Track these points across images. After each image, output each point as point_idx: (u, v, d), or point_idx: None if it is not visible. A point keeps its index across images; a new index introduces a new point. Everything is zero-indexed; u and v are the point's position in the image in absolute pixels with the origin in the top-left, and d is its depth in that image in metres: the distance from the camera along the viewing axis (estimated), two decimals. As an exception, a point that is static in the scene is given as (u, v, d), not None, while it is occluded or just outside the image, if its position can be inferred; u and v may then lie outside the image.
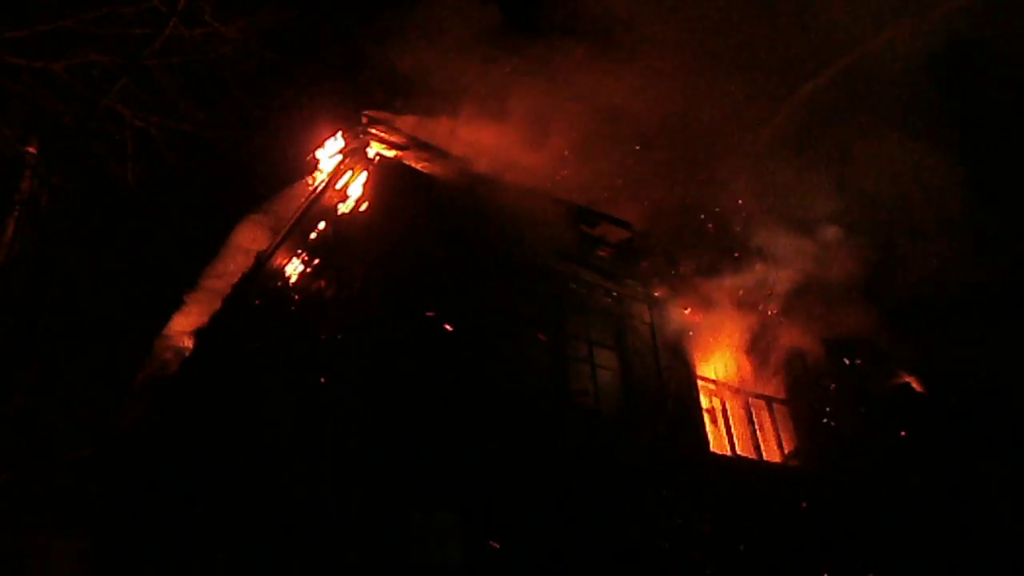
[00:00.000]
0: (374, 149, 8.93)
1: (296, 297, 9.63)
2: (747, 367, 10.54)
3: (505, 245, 8.55)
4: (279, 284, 10.05)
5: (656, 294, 9.88)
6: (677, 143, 11.10)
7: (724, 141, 11.38)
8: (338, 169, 9.36)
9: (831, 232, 10.60)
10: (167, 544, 10.53)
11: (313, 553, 7.46)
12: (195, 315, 11.46)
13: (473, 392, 7.74)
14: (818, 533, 9.20)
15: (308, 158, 9.96)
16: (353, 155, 9.19)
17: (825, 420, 10.50)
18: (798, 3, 11.71)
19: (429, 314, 7.75)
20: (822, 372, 10.84)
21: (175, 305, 11.40)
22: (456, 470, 7.26)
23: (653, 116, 11.05)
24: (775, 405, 10.56)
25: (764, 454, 10.09)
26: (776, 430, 10.42)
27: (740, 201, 10.63)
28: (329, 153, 9.69)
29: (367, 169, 8.98)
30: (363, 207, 8.80)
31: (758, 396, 10.45)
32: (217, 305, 11.21)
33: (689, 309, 9.96)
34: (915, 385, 11.55)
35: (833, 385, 10.82)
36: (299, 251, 9.90)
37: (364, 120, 9.13)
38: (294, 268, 9.92)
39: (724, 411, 10.07)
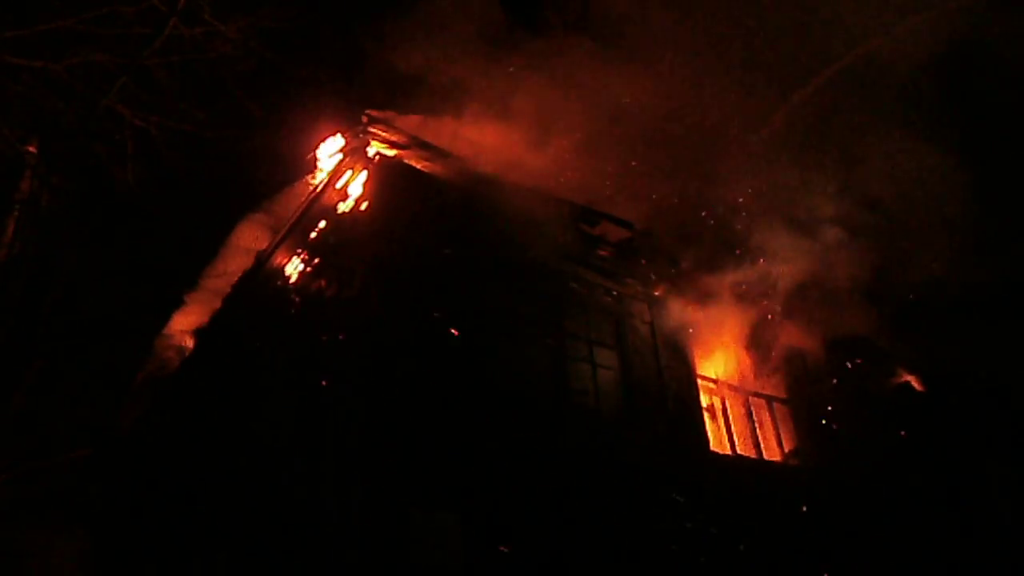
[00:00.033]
0: (374, 148, 8.93)
1: (296, 297, 9.63)
2: (747, 366, 10.54)
3: (505, 244, 8.55)
4: (279, 283, 10.05)
5: (656, 293, 9.88)
6: (678, 142, 11.10)
7: (725, 140, 11.39)
8: (338, 168, 9.36)
9: (832, 231, 10.60)
10: (167, 544, 10.53)
11: (313, 553, 7.46)
12: (195, 315, 11.46)
13: (473, 392, 7.74)
14: (818, 533, 9.20)
15: (308, 157, 9.96)
16: (353, 154, 9.19)
17: (825, 419, 10.50)
18: (800, 1, 11.71)
19: (435, 315, 7.75)
20: (822, 371, 10.84)
21: (175, 305, 11.40)
22: (456, 470, 7.26)
23: (654, 115, 11.05)
24: (775, 404, 10.56)
25: (764, 453, 10.10)
26: (776, 429, 10.42)
27: (741, 199, 10.63)
28: (329, 152, 9.69)
29: (367, 168, 8.98)
30: (363, 206, 8.81)
31: (758, 395, 10.45)
32: (217, 305, 11.22)
33: (689, 308, 9.95)
34: (915, 384, 11.55)
35: (833, 384, 10.82)
36: (299, 250, 9.90)
37: (364, 119, 9.13)
38: (294, 267, 9.92)
39: (724, 410, 10.07)
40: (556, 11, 12.02)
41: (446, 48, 10.82)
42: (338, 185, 9.28)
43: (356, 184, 9.04)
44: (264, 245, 10.66)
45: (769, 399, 10.52)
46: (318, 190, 9.57)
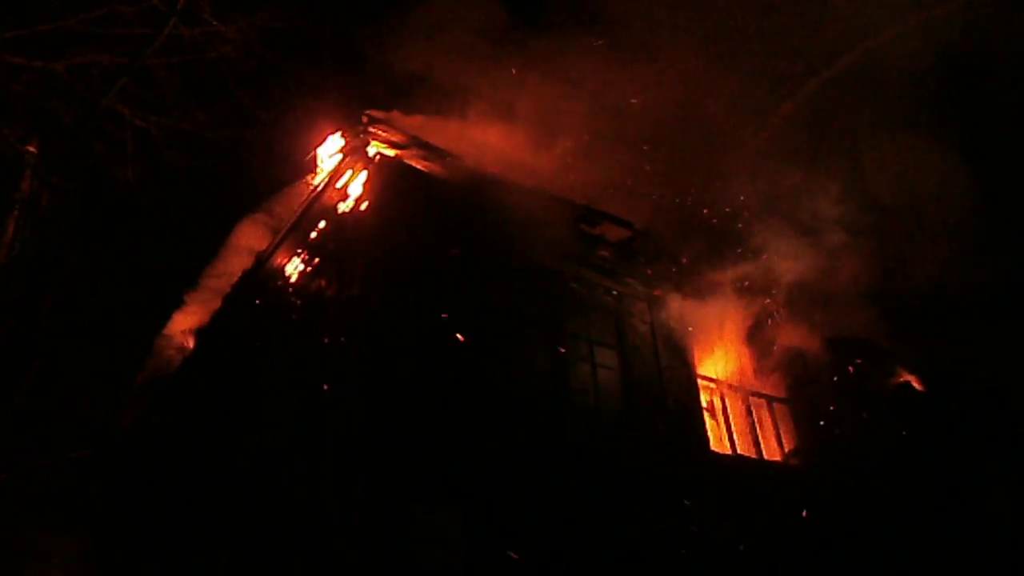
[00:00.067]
0: (374, 148, 8.93)
1: (296, 296, 9.62)
2: (748, 366, 10.54)
3: (505, 244, 8.55)
4: (279, 283, 10.04)
5: (656, 293, 9.88)
6: (678, 141, 11.10)
7: (725, 138, 11.38)
8: (338, 168, 9.35)
9: (832, 231, 10.60)
10: (167, 544, 10.52)
11: (313, 553, 7.46)
12: (195, 314, 11.46)
13: (473, 391, 7.74)
14: (818, 532, 9.19)
15: (308, 157, 9.96)
16: (353, 154, 9.18)
17: (825, 419, 10.49)
18: (801, 1, 11.71)
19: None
20: (823, 371, 10.84)
21: (175, 305, 11.40)
22: (457, 470, 7.26)
23: (655, 114, 11.05)
24: (775, 404, 10.56)
25: (764, 453, 10.09)
26: (776, 429, 10.42)
27: (742, 198, 10.63)
28: (329, 152, 9.69)
29: (367, 168, 8.97)
30: (363, 206, 8.80)
31: (758, 395, 10.45)
32: (217, 305, 11.21)
33: (690, 308, 9.95)
34: (915, 384, 11.54)
35: (834, 384, 10.81)
36: (299, 250, 9.89)
37: (364, 119, 9.13)
38: (294, 267, 9.92)
39: (724, 410, 10.07)
40: (558, 8, 12.01)
41: (446, 48, 10.82)
42: (338, 185, 9.27)
43: (356, 184, 9.03)
44: (264, 245, 10.65)
45: (769, 399, 10.52)
46: (318, 190, 9.56)
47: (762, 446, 10.12)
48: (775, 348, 10.53)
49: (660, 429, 9.00)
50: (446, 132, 10.11)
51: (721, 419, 9.97)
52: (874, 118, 11.99)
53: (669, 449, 8.90)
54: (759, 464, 9.88)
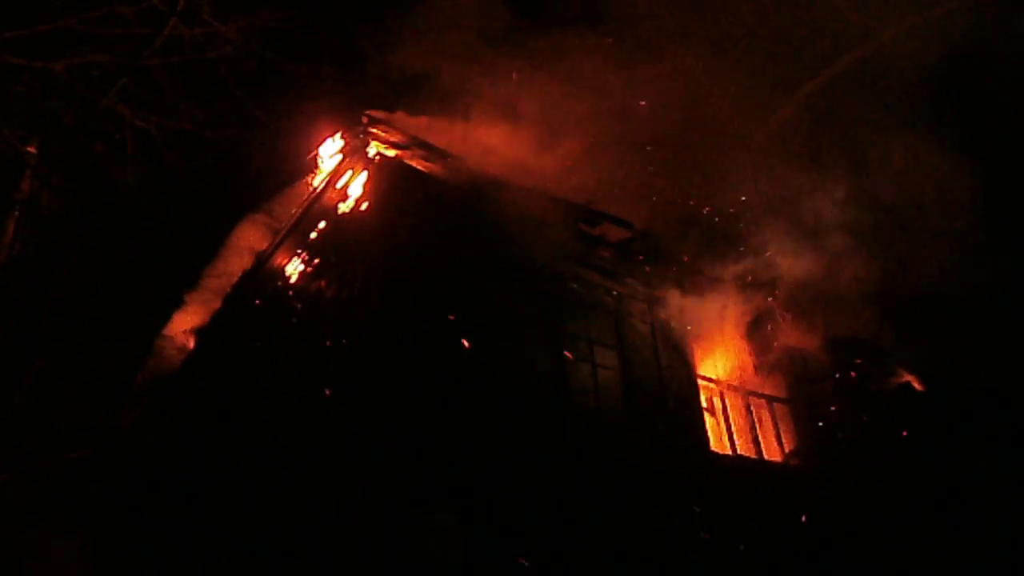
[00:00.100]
0: (374, 148, 8.93)
1: (296, 297, 9.62)
2: (748, 366, 10.54)
3: (505, 244, 8.55)
4: (279, 284, 10.04)
5: (657, 293, 9.88)
6: (679, 141, 11.11)
7: (725, 139, 11.38)
8: (338, 169, 9.36)
9: (833, 232, 10.60)
10: (167, 544, 10.53)
11: (313, 553, 7.46)
12: (196, 314, 11.46)
13: (473, 391, 7.74)
14: (818, 533, 9.19)
15: (308, 158, 9.97)
16: (353, 154, 9.19)
17: (825, 419, 10.49)
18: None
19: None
20: (823, 371, 10.84)
21: (175, 305, 11.39)
22: (456, 470, 7.26)
23: (656, 114, 11.05)
24: (776, 404, 10.56)
25: (765, 453, 10.10)
26: (777, 429, 10.42)
27: (744, 198, 10.63)
28: (329, 152, 9.69)
29: (367, 168, 8.97)
30: (363, 207, 8.80)
31: (759, 395, 10.45)
32: (217, 305, 11.22)
33: (690, 308, 9.95)
34: (916, 384, 11.54)
35: (834, 384, 10.81)
36: (299, 251, 9.89)
37: (364, 119, 9.13)
38: (294, 268, 9.92)
39: (725, 410, 10.07)
40: (559, 8, 12.01)
41: (446, 48, 10.83)
42: (338, 185, 9.28)
43: (356, 184, 9.04)
44: (264, 245, 10.66)
45: (769, 399, 10.53)
46: (318, 190, 9.57)
47: (762, 446, 10.12)
48: (775, 348, 10.54)
49: (660, 429, 9.00)
50: (446, 132, 10.11)
51: (721, 419, 9.98)
52: (875, 118, 11.99)
53: (669, 449, 8.90)
54: (759, 464, 9.88)
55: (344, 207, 9.09)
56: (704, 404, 9.87)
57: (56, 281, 11.43)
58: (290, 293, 9.73)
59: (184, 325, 11.53)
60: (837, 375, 10.91)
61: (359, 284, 8.24)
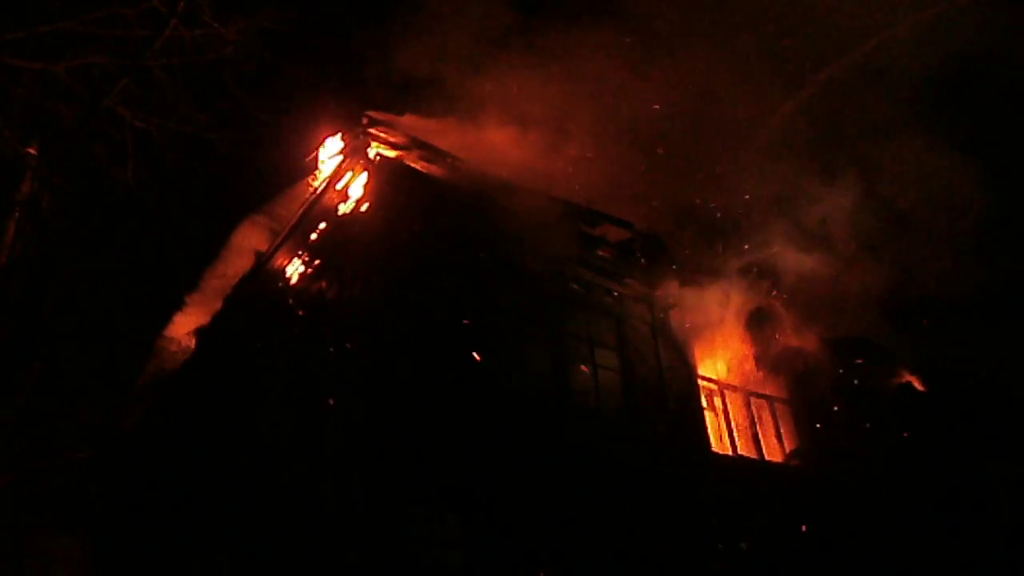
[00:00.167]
0: (374, 149, 8.94)
1: (297, 298, 9.63)
2: (749, 366, 10.54)
3: (505, 245, 8.56)
4: (280, 285, 10.05)
5: (657, 293, 9.88)
6: (680, 139, 11.10)
7: (725, 140, 11.38)
8: (339, 169, 9.36)
9: (835, 231, 10.60)
10: (168, 544, 10.53)
11: (313, 553, 7.46)
12: (196, 315, 11.47)
13: (474, 392, 7.74)
14: (819, 533, 9.19)
15: (309, 159, 9.97)
16: (354, 155, 9.20)
17: (826, 419, 10.49)
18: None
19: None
20: (824, 371, 10.84)
21: (175, 305, 11.41)
22: (457, 469, 7.27)
23: (658, 112, 11.05)
24: (776, 404, 10.57)
25: (765, 453, 10.10)
26: (777, 429, 10.42)
27: (747, 196, 10.62)
28: (330, 153, 9.70)
29: (368, 169, 8.98)
30: (364, 207, 8.81)
31: (760, 395, 10.46)
32: (218, 306, 11.23)
33: (690, 308, 9.95)
34: (916, 384, 11.54)
35: (835, 384, 10.81)
36: (300, 252, 9.90)
37: (365, 120, 9.14)
38: (295, 269, 9.93)
39: (725, 410, 10.07)
40: (559, 8, 12.00)
41: (446, 49, 10.83)
42: (339, 186, 9.29)
43: (356, 185, 9.05)
44: (264, 246, 10.66)
45: (770, 399, 10.53)
46: (319, 191, 9.58)
47: (763, 446, 10.12)
48: (776, 348, 10.53)
49: (661, 430, 9.01)
50: (447, 133, 10.11)
51: (722, 419, 9.98)
52: (877, 117, 11.98)
53: (669, 449, 8.91)
54: (760, 464, 9.89)
55: (344, 208, 9.10)
56: (705, 404, 9.87)
57: (56, 282, 11.43)
58: (291, 294, 9.74)
59: (185, 326, 11.55)
60: (838, 375, 10.92)
61: (359, 285, 8.25)
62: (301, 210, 9.91)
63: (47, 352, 11.27)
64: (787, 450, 10.32)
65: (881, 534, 9.61)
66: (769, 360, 10.54)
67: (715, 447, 9.56)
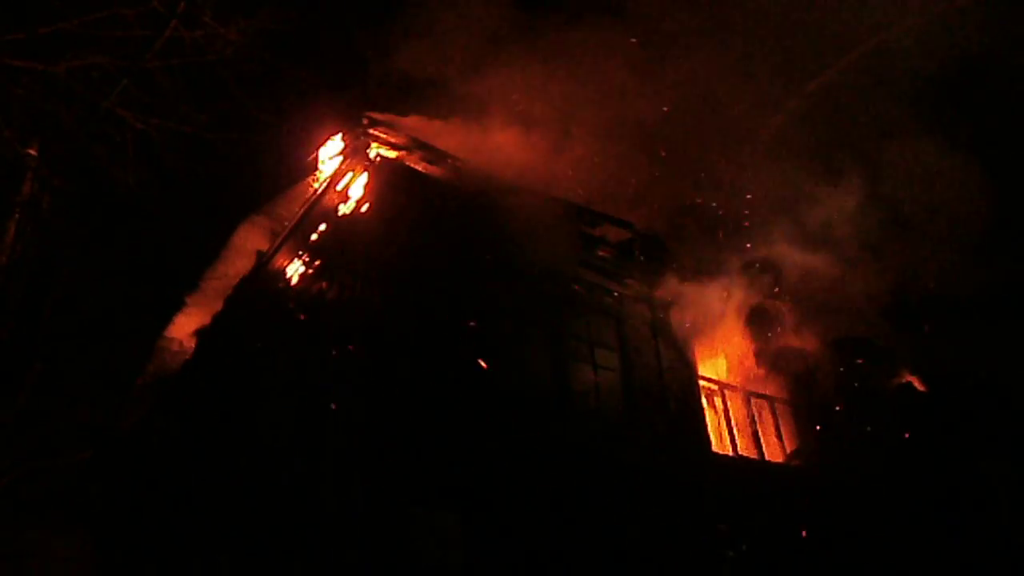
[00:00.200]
0: (375, 150, 8.95)
1: (297, 298, 9.64)
2: (749, 366, 10.54)
3: (506, 245, 8.56)
4: (280, 285, 10.06)
5: (657, 293, 9.89)
6: (682, 139, 11.11)
7: (725, 140, 11.39)
8: (339, 170, 9.38)
9: (837, 231, 10.60)
10: (168, 544, 10.54)
11: (313, 553, 7.47)
12: (196, 316, 11.48)
13: (474, 392, 7.75)
14: (820, 533, 9.19)
15: (309, 159, 9.98)
16: (354, 156, 9.21)
17: (827, 420, 10.49)
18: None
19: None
20: (824, 371, 10.84)
21: (175, 305, 11.41)
22: (457, 470, 7.27)
23: (657, 115, 11.06)
24: (777, 404, 10.56)
25: (766, 454, 10.10)
26: (778, 429, 10.42)
27: (749, 196, 10.63)
28: (330, 154, 9.71)
29: (368, 170, 8.99)
30: (364, 208, 8.82)
31: (760, 395, 10.45)
32: (218, 306, 11.24)
33: (691, 308, 9.96)
34: (917, 384, 11.54)
35: (835, 384, 10.81)
36: (300, 252, 9.91)
37: (365, 121, 9.15)
38: (295, 269, 9.94)
39: (726, 410, 10.07)
40: (559, 8, 12.00)
41: (446, 49, 10.84)
42: (339, 187, 9.30)
43: (357, 186, 9.06)
44: (265, 247, 10.67)
45: (771, 399, 10.53)
46: (319, 192, 9.59)
47: (764, 446, 10.12)
48: (777, 348, 10.53)
49: (661, 430, 9.01)
50: (447, 134, 10.13)
51: (722, 419, 9.98)
52: (879, 116, 11.98)
53: (669, 449, 8.91)
54: (760, 465, 9.89)
55: (345, 208, 9.11)
56: (705, 404, 9.87)
57: (56, 282, 11.43)
58: (291, 295, 9.75)
59: (185, 326, 11.55)
60: (839, 375, 10.92)
61: (360, 285, 8.26)
62: (301, 211, 9.93)
63: (47, 352, 11.27)
64: (787, 450, 10.32)
65: (881, 534, 9.61)
66: (770, 360, 10.53)
67: (715, 447, 9.56)
